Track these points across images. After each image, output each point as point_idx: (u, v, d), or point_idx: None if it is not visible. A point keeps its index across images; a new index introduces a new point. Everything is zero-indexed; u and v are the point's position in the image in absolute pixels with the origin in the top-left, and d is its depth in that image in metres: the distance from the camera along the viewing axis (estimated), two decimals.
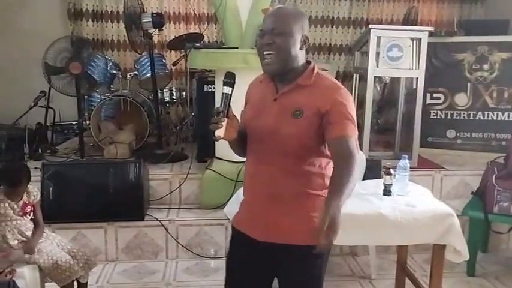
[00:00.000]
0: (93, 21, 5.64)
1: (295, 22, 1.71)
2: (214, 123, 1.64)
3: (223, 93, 1.69)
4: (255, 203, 1.81)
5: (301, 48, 1.72)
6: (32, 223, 2.72)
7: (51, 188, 3.49)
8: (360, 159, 1.68)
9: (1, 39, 5.41)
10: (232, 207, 2.77)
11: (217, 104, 1.71)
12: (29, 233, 2.66)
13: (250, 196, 1.86)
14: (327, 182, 1.71)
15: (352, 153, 1.63)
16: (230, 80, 1.70)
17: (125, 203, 3.52)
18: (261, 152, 1.77)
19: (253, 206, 1.83)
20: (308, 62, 1.78)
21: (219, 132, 1.65)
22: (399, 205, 2.52)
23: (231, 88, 1.70)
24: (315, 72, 1.75)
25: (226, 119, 1.66)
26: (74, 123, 5.22)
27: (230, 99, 1.69)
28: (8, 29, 5.41)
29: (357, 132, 1.70)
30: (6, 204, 2.61)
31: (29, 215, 2.71)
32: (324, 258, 1.80)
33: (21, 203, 2.66)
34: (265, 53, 1.70)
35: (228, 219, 2.85)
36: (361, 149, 3.65)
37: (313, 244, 1.55)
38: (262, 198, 1.78)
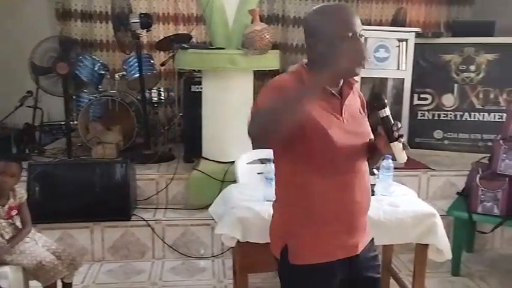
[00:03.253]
0: (81, 21, 5.60)
1: None
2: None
3: (385, 116, 1.56)
4: (358, 215, 1.65)
5: None
6: (13, 227, 2.71)
7: (37, 188, 3.48)
8: None
9: None
10: (217, 207, 2.77)
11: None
12: (7, 237, 2.64)
13: (349, 213, 1.63)
14: None
15: None
16: (381, 101, 1.56)
17: (112, 203, 3.52)
18: (344, 161, 1.60)
19: (356, 220, 1.65)
20: None
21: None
22: (382, 205, 2.53)
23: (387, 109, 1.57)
24: None
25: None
26: (62, 123, 5.20)
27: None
28: None
29: None
30: None
31: (13, 219, 2.70)
32: None
33: (6, 206, 2.65)
34: (363, 60, 1.55)
35: (213, 219, 2.86)
36: None
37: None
38: (361, 207, 1.66)
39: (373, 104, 1.57)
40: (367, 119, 1.70)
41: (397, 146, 1.53)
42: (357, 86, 1.71)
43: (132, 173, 3.68)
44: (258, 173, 3.01)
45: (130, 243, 3.54)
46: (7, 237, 2.63)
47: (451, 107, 4.71)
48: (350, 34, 1.52)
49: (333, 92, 1.60)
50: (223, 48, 3.65)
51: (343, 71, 1.51)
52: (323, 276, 1.64)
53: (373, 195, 2.60)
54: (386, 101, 1.57)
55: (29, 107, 4.74)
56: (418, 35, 4.22)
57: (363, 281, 1.75)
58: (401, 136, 1.53)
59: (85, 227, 3.52)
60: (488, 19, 4.91)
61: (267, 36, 3.47)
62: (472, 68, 4.59)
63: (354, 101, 1.69)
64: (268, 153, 3.15)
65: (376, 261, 1.82)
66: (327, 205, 1.60)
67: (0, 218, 2.62)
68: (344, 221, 1.62)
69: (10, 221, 2.68)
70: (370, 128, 1.69)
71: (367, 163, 1.71)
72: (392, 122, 1.55)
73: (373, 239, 1.82)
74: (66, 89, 4.17)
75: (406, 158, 1.56)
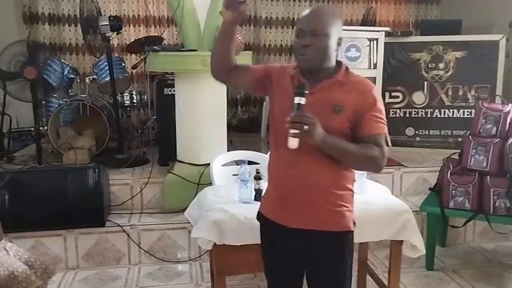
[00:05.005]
0: (49, 25, 5.53)
1: (334, 24, 1.75)
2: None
3: (296, 103, 1.69)
4: (292, 192, 1.83)
5: (336, 50, 1.78)
6: None
7: (6, 197, 3.39)
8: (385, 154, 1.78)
9: None
10: (193, 211, 2.76)
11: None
12: None
13: (284, 186, 1.85)
14: (354, 176, 1.89)
15: (382, 149, 1.76)
16: (302, 89, 1.69)
17: (85, 210, 3.45)
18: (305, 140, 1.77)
19: (289, 195, 1.84)
20: (339, 62, 1.84)
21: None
22: (357, 203, 2.54)
23: (303, 98, 1.68)
24: (349, 70, 1.83)
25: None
26: (32, 129, 5.09)
27: (302, 108, 1.68)
28: None
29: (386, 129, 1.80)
30: None
31: None
32: (349, 243, 1.91)
33: None
34: (301, 53, 1.75)
35: (189, 222, 2.84)
36: None
37: (342, 230, 1.84)
38: (300, 187, 1.81)
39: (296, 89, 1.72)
40: (343, 117, 1.75)
41: (289, 131, 1.65)
42: (362, 88, 1.79)
43: (105, 178, 3.62)
44: (234, 175, 3.01)
45: (105, 249, 3.48)
46: None
47: (421, 104, 4.80)
48: (298, 31, 1.77)
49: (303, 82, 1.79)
50: (195, 50, 3.63)
51: (297, 62, 1.82)
52: (263, 226, 1.99)
53: None
54: (306, 92, 1.69)
55: None
56: (387, 34, 4.28)
57: (297, 259, 1.93)
58: (291, 123, 1.63)
59: (58, 234, 3.44)
60: (455, 18, 5.02)
61: (239, 38, 3.46)
62: (441, 65, 4.68)
63: (334, 96, 1.76)
64: (243, 154, 3.17)
65: (319, 259, 1.88)
66: (274, 171, 1.91)
67: None
68: (280, 190, 1.88)
69: None
70: (341, 126, 1.75)
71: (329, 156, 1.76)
72: (297, 110, 1.67)
73: (337, 239, 1.86)
74: (35, 94, 4.07)
75: (295, 146, 1.66)
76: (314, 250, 1.87)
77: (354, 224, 1.91)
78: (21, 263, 2.61)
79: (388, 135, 1.79)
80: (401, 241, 2.56)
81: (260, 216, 1.99)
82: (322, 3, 6.11)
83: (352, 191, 1.90)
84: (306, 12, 1.80)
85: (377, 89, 1.80)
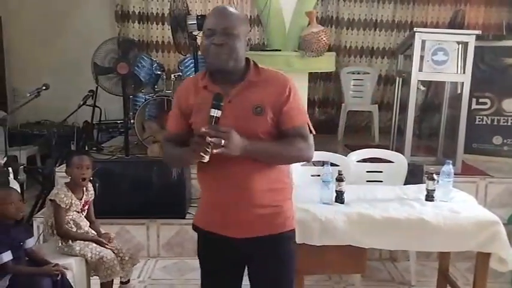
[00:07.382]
0: (139, 23, 5.80)
1: (243, 24, 1.76)
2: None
3: (211, 116, 1.63)
4: (226, 203, 1.78)
5: (246, 50, 1.76)
6: (86, 220, 2.84)
7: (97, 185, 3.59)
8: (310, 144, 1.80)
9: (56, 40, 5.63)
10: None
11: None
12: (86, 228, 2.79)
13: (218, 197, 1.80)
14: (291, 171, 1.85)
15: (308, 140, 1.78)
16: (219, 102, 1.64)
17: (167, 201, 3.59)
18: (223, 154, 1.65)
19: (224, 207, 1.79)
20: (247, 60, 1.79)
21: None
22: (442, 211, 2.49)
23: (219, 111, 1.63)
24: (259, 67, 1.78)
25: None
26: (118, 122, 5.37)
27: (217, 121, 1.64)
28: (63, 30, 5.64)
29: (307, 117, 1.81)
30: (73, 200, 2.73)
31: (85, 212, 2.84)
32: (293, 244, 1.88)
33: (83, 200, 2.78)
34: (215, 52, 1.69)
35: None
36: (402, 153, 3.62)
37: (284, 231, 1.80)
38: (232, 198, 1.76)
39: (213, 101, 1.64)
40: (267, 118, 1.70)
41: (203, 147, 1.60)
42: (276, 83, 1.74)
43: (187, 171, 3.75)
44: (312, 176, 3.03)
45: (184, 240, 3.61)
46: (86, 228, 2.77)
47: None
48: (208, 32, 1.70)
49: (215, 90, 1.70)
50: (279, 50, 3.68)
51: (208, 64, 1.75)
52: (207, 238, 1.94)
53: (432, 200, 2.59)
54: (222, 104, 1.62)
55: (89, 105, 4.92)
56: (477, 37, 4.09)
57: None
58: (202, 134, 1.58)
59: (141, 223, 3.62)
60: None
61: (324, 39, 3.46)
62: None
63: (252, 98, 1.71)
64: (322, 156, 3.17)
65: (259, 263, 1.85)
66: (210, 188, 1.85)
67: (76, 210, 2.74)
68: (222, 206, 1.79)
69: (82, 214, 2.81)
70: (267, 127, 1.71)
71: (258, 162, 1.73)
72: (212, 123, 1.61)
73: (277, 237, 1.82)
74: (125, 89, 4.29)
75: (207, 159, 1.60)
76: (253, 256, 1.83)
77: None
78: (111, 251, 2.76)
79: (309, 122, 1.79)
80: (489, 254, 2.46)
81: (196, 227, 1.94)
82: (407, 5, 5.95)
83: (289, 185, 1.86)
84: (213, 12, 1.77)
85: (290, 79, 1.77)
